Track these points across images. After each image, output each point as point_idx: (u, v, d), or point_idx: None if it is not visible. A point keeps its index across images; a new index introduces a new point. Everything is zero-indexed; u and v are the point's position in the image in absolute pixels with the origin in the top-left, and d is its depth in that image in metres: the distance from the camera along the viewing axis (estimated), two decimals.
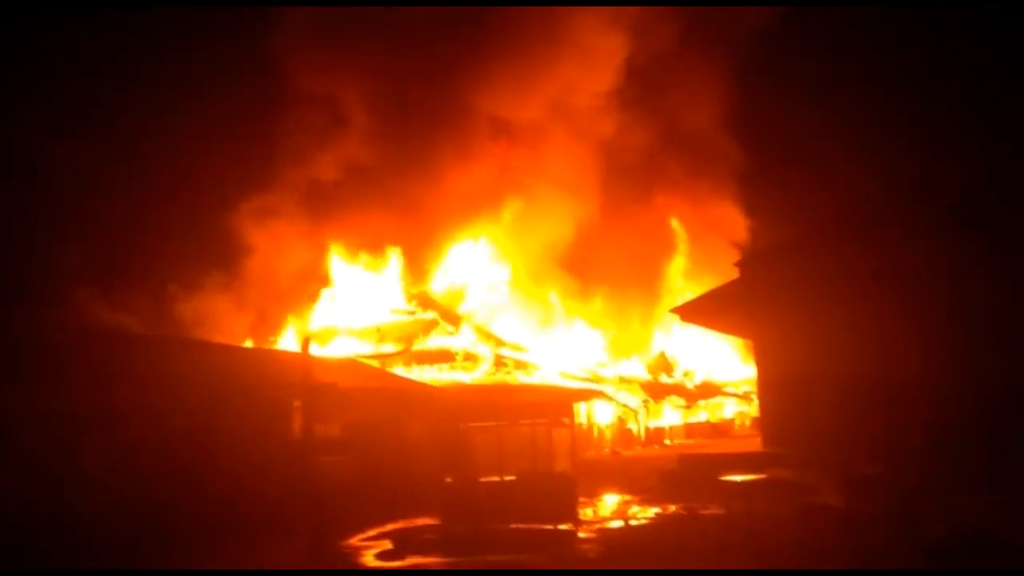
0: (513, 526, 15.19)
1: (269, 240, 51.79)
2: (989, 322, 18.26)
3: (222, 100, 56.55)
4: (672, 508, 17.51)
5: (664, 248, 63.45)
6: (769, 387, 21.59)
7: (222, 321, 46.64)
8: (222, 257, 49.29)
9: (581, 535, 15.14)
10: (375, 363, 39.15)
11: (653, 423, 44.69)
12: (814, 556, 11.84)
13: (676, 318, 24.50)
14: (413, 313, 49.72)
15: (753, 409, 40.28)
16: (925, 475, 15.73)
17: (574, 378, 44.15)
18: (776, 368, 21.00)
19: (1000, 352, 18.06)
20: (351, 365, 33.72)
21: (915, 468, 16.13)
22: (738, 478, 15.52)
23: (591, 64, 54.19)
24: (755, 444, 23.41)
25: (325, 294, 51.78)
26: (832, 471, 16.32)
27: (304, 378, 15.40)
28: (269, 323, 48.42)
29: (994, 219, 19.15)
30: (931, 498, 14.23)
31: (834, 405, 18.27)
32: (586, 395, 39.01)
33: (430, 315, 49.34)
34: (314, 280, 52.35)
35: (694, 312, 23.87)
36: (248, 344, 42.96)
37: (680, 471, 21.05)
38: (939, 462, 16.38)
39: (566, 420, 17.32)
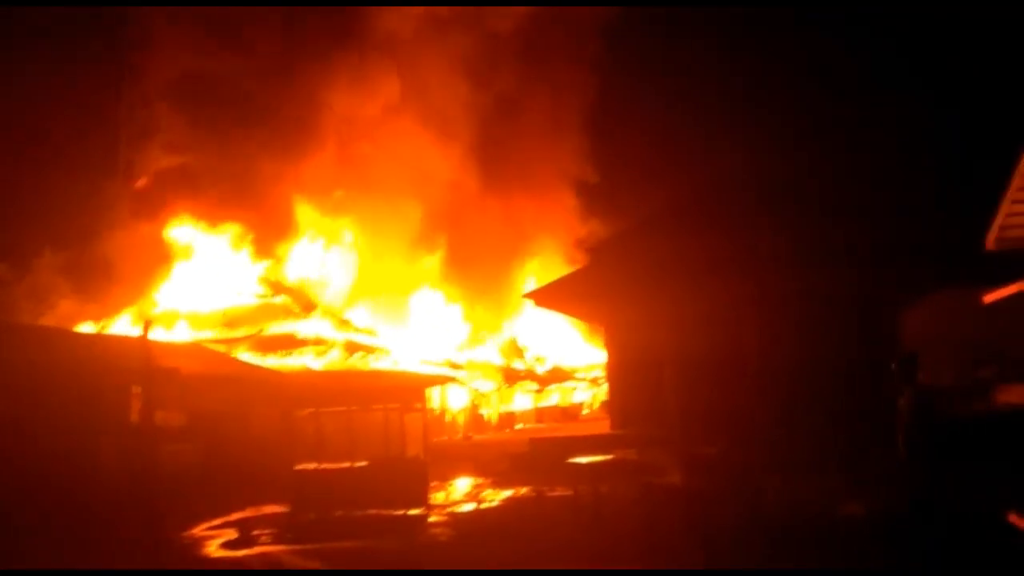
0: (364, 512, 15.05)
1: (109, 220, 49.37)
2: (827, 304, 19.20)
3: (60, 76, 53.31)
4: (523, 490, 17.80)
5: (516, 234, 64.05)
6: (617, 371, 22.09)
7: (56, 304, 44.09)
8: (56, 237, 46.53)
9: (432, 519, 15.15)
10: (221, 348, 37.96)
11: (505, 408, 45.24)
12: (654, 531, 12.31)
13: (529, 303, 24.74)
14: (262, 297, 48.48)
15: (602, 393, 41.31)
16: (767, 454, 16.41)
17: (427, 363, 44.11)
18: (624, 352, 21.53)
19: (839, 333, 19.04)
20: (195, 350, 32.58)
21: (757, 447, 16.81)
22: (585, 460, 15.85)
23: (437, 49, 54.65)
24: (604, 427, 24.00)
25: (169, 276, 49.77)
26: (676, 451, 16.86)
27: (144, 363, 14.75)
28: (107, 306, 46.04)
29: (828, 205, 20.17)
30: (772, 476, 14.87)
31: (678, 387, 18.85)
32: (439, 380, 39.05)
33: (280, 299, 48.24)
34: (157, 262, 50.16)
35: (547, 297, 24.13)
36: (84, 328, 40.75)
37: (530, 454, 21.35)
38: (781, 441, 17.09)
39: (418, 405, 17.35)
